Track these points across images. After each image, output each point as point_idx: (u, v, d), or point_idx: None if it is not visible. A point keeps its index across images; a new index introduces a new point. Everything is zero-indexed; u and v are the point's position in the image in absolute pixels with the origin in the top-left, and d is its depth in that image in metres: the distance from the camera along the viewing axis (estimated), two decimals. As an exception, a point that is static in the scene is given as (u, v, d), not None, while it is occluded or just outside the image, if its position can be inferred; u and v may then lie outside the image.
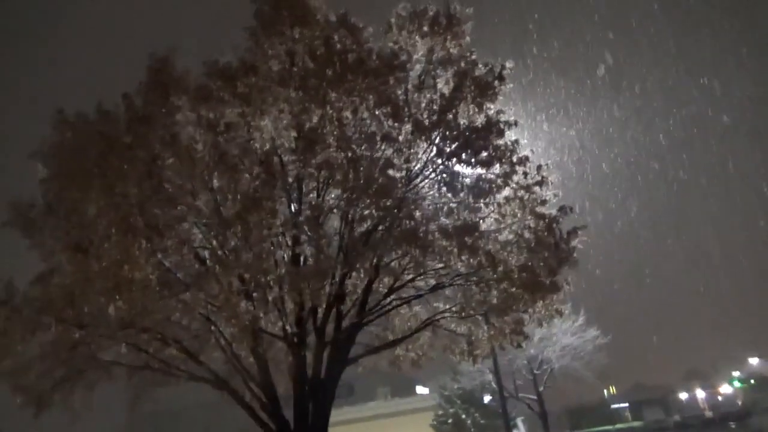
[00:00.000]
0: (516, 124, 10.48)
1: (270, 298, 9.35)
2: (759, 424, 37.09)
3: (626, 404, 60.73)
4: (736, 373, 60.63)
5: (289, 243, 9.98)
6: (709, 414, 51.98)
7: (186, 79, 9.89)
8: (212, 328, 10.21)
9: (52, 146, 9.83)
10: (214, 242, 9.56)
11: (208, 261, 9.71)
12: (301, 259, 10.23)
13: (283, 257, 10.15)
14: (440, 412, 31.56)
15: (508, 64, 10.83)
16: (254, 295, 9.53)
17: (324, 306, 10.40)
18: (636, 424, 48.98)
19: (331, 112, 9.89)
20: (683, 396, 63.44)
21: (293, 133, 10.15)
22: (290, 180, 10.28)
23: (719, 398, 62.01)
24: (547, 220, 10.58)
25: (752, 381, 57.74)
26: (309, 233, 9.59)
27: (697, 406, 59.77)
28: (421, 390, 37.41)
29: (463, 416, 30.60)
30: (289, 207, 10.46)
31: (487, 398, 31.47)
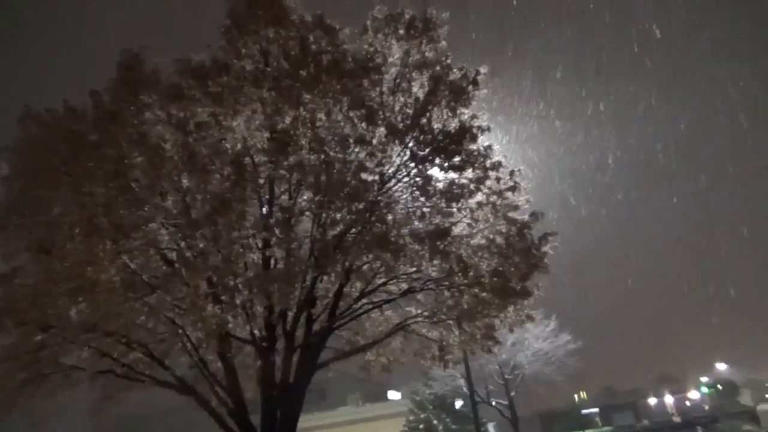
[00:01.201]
0: (489, 129, 10.65)
1: (238, 302, 9.30)
2: (724, 428, 38.11)
3: (596, 409, 61.74)
4: (704, 379, 62.24)
5: (259, 246, 9.95)
6: (677, 419, 53.18)
7: (157, 77, 9.80)
8: (178, 331, 10.12)
9: (18, 142, 9.64)
10: (182, 244, 9.50)
11: (175, 263, 9.63)
12: (272, 262, 10.22)
13: (253, 260, 10.12)
14: (411, 418, 31.65)
15: (483, 69, 10.96)
16: (222, 298, 9.48)
17: (294, 310, 10.39)
18: (606, 429, 49.83)
19: (304, 113, 9.92)
20: (653, 401, 64.78)
21: (266, 134, 10.15)
22: (261, 181, 10.26)
23: (687, 403, 63.49)
24: (518, 226, 10.78)
25: (719, 386, 59.31)
26: (279, 236, 9.59)
27: (666, 412, 61.09)
28: (393, 395, 37.49)
29: (435, 422, 30.76)
30: (260, 209, 10.44)
31: (458, 403, 31.71)
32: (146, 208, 9.27)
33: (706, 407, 56.46)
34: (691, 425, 44.92)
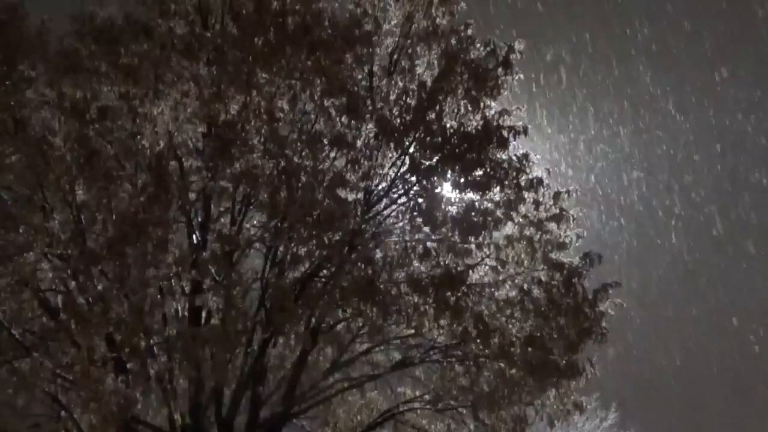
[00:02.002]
0: (526, 132, 10.72)
1: (152, 373, 9.21)
2: None
3: None
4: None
5: (186, 291, 9.90)
6: None
7: (43, 40, 9.82)
8: (62, 413, 9.98)
9: None
10: (72, 285, 9.42)
11: (60, 313, 9.54)
12: (203, 315, 10.17)
13: (176, 312, 10.06)
14: None
15: (519, 45, 11.09)
16: (128, 366, 9.39)
17: (233, 387, 10.31)
18: None
19: (258, 99, 9.94)
20: None
21: (201, 128, 10.16)
22: (193, 197, 10.25)
23: None
24: (565, 273, 10.80)
25: None
26: (216, 277, 9.55)
27: None
28: None
29: None
30: (189, 237, 10.40)
31: None
32: (20, 230, 9.20)
33: None
34: None
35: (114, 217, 9.11)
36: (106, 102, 9.74)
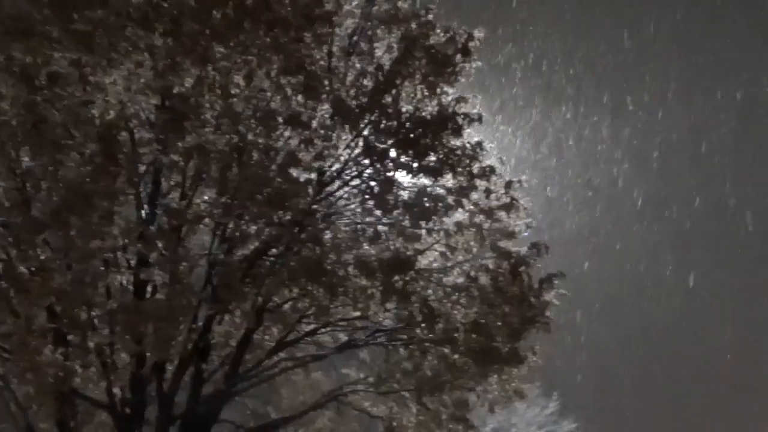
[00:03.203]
0: (480, 119, 10.76)
1: (92, 345, 9.08)
2: None
3: None
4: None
5: (132, 264, 9.76)
6: None
7: (-8, 0, 9.53)
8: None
9: None
10: (14, 253, 9.20)
11: (0, 281, 9.32)
12: (148, 289, 10.04)
13: (121, 284, 9.92)
14: None
15: (478, 33, 11.12)
16: (69, 338, 9.24)
17: (176, 363, 10.22)
18: None
19: (213, 73, 9.80)
20: None
21: (154, 100, 9.98)
22: (143, 169, 10.07)
23: None
24: (513, 262, 10.88)
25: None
26: (163, 252, 9.42)
27: None
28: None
29: None
30: (138, 210, 10.24)
31: None
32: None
33: None
34: None
35: (60, 186, 8.90)
36: (57, 68, 9.49)
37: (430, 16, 11.15)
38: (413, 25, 10.98)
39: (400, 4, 11.16)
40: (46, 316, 9.20)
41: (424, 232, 10.64)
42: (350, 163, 10.65)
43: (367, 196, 10.51)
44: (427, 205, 10.47)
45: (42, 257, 8.98)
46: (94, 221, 8.75)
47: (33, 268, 8.96)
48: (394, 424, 12.22)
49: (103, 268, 9.25)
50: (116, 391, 10.02)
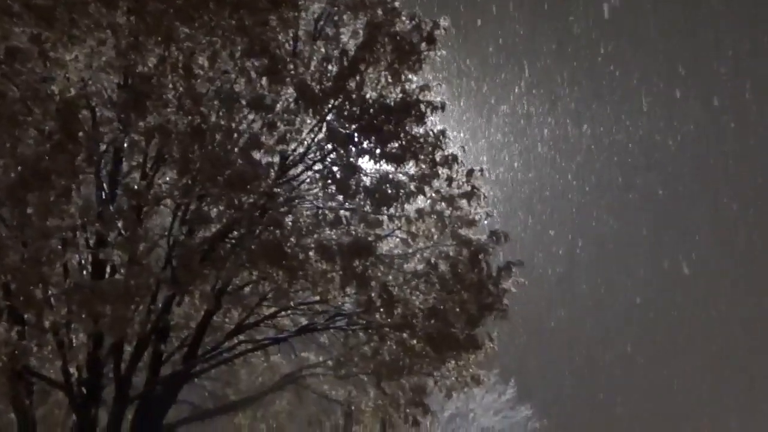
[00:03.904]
0: (443, 107, 10.74)
1: (47, 324, 8.93)
2: None
3: None
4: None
5: (90, 243, 9.61)
6: None
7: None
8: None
9: None
10: (-32, 230, 9.02)
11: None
12: (107, 269, 9.90)
13: (79, 263, 9.78)
14: None
15: (443, 22, 11.09)
16: (24, 317, 9.08)
17: (133, 343, 10.11)
18: None
19: (177, 53, 9.68)
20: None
21: (115, 79, 9.82)
22: (103, 148, 9.91)
23: None
24: (472, 249, 10.91)
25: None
26: (122, 231, 9.29)
27: None
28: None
29: None
30: (98, 189, 10.10)
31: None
32: None
33: None
34: None
35: (17, 163, 8.71)
36: (17, 43, 9.27)
37: (396, 3, 11.10)
38: (379, 12, 10.91)
39: (367, -11, 11.11)
40: (1, 294, 9.05)
41: (385, 218, 10.61)
42: (313, 148, 10.59)
43: (329, 181, 10.43)
44: (388, 191, 10.43)
45: (-2, 234, 8.84)
46: (51, 199, 8.60)
47: (-12, 245, 8.81)
48: (353, 407, 12.27)
49: (60, 247, 9.11)
50: (72, 371, 9.92)
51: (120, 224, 9.34)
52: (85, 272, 9.78)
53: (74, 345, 9.64)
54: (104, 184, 10.12)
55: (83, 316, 8.85)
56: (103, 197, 9.94)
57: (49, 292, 9.04)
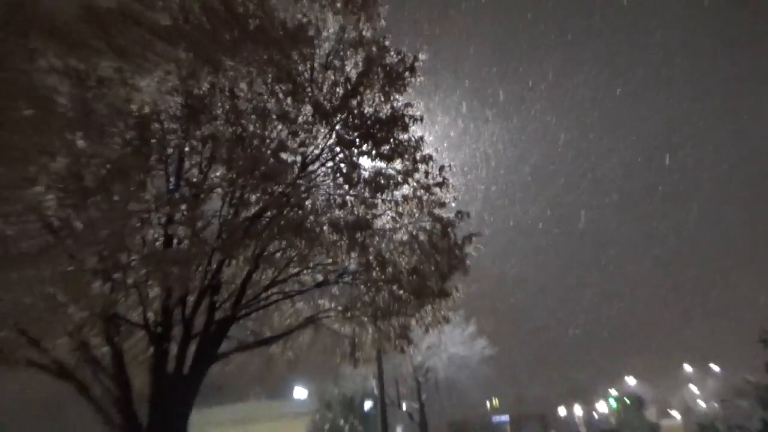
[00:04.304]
0: (422, 119, 10.71)
1: (131, 281, 8.87)
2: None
3: (507, 417, 64.20)
4: (613, 392, 66.00)
5: (162, 222, 9.53)
6: (583, 430, 56.29)
7: (52, 20, 9.09)
8: (60, 310, 9.53)
9: None
10: (70, 211, 8.90)
11: (60, 232, 9.02)
12: (174, 241, 9.82)
13: (153, 237, 9.70)
14: (317, 417, 31.62)
15: (422, 56, 11.02)
16: (113, 276, 9.01)
17: (195, 295, 10.08)
18: (514, 438, 51.98)
19: (223, 80, 9.55)
20: (562, 412, 68.14)
21: (178, 99, 9.68)
22: (170, 151, 9.82)
23: (595, 416, 67.24)
24: (443, 224, 10.93)
25: (626, 400, 63.10)
26: (185, 213, 9.21)
27: (574, 423, 64.47)
28: (299, 393, 37.25)
29: (341, 422, 30.87)
30: (166, 182, 10.00)
31: (367, 405, 32.00)
32: (30, 168, 8.59)
33: (613, 420, 59.95)
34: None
35: (105, 162, 8.61)
36: (104, 73, 9.14)
37: (387, 42, 11.01)
38: (374, 49, 10.83)
39: (364, 32, 11.00)
40: (96, 259, 8.98)
41: (379, 201, 10.59)
42: (325, 150, 10.49)
43: (337, 175, 10.37)
44: (381, 181, 10.40)
45: (93, 215, 8.74)
46: (131, 189, 8.53)
47: (85, 224, 8.72)
48: (356, 340, 12.27)
49: (139, 225, 9.03)
50: (150, 315, 9.91)
51: (183, 207, 9.28)
52: (157, 243, 9.66)
53: (151, 297, 9.58)
54: (171, 178, 10.03)
55: (157, 275, 8.81)
56: (170, 188, 9.86)
57: (132, 257, 8.98)
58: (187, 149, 9.81)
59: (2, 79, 8.37)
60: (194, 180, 9.75)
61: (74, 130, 8.79)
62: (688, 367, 63.93)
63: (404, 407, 35.58)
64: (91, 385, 10.26)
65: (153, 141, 9.13)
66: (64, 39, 8.82)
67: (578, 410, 68.62)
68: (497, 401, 67.39)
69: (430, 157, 10.99)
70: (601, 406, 67.64)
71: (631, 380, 69.37)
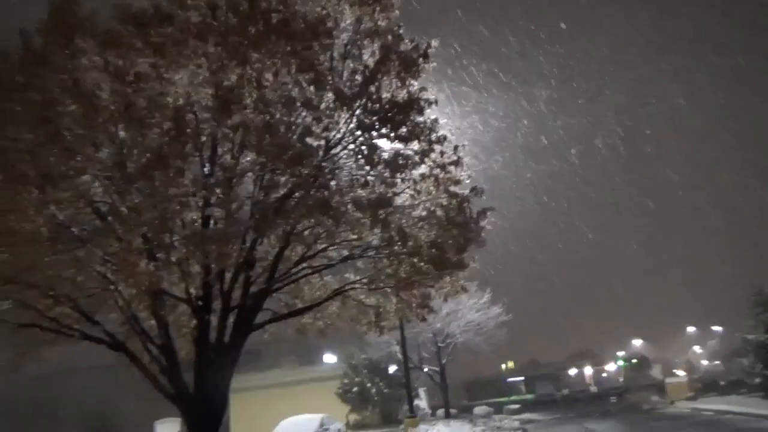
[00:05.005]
0: (436, 102, 10.55)
1: (174, 259, 9.00)
2: (634, 398, 40.66)
3: (522, 378, 64.40)
4: (620, 353, 65.75)
5: (199, 204, 9.62)
6: (593, 389, 56.25)
7: (93, 21, 9.14)
8: (110, 287, 9.74)
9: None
10: (116, 197, 9.04)
11: (108, 217, 9.18)
12: (211, 222, 9.92)
13: (191, 219, 9.80)
14: (346, 381, 31.98)
15: (434, 43, 10.83)
16: (157, 255, 9.15)
17: (232, 271, 10.18)
18: (529, 396, 52.14)
19: (251, 72, 9.52)
20: (572, 372, 68.11)
21: (210, 91, 9.69)
22: (204, 139, 9.86)
23: (604, 375, 67.13)
24: (458, 200, 10.85)
25: (633, 360, 62.89)
26: (220, 196, 9.29)
27: (584, 382, 64.44)
28: (329, 359, 37.70)
29: (368, 385, 31.17)
30: (202, 167, 10.05)
31: (392, 368, 32.25)
32: (78, 158, 8.73)
33: (621, 379, 59.80)
34: (605, 395, 47.69)
35: (145, 151, 8.70)
36: (141, 69, 9.18)
37: (401, 31, 10.86)
38: (389, 38, 10.67)
39: (379, 23, 10.83)
40: (140, 241, 9.13)
41: (398, 180, 10.49)
42: (347, 134, 10.40)
43: (359, 156, 10.29)
44: (400, 162, 10.30)
45: (136, 200, 8.87)
46: (170, 175, 8.60)
47: (130, 208, 8.84)
48: (381, 310, 12.31)
49: (179, 207, 9.13)
50: (192, 290, 10.03)
51: (218, 191, 9.35)
52: (196, 224, 9.76)
53: (192, 273, 9.70)
54: (206, 164, 10.08)
55: (197, 253, 8.93)
56: (206, 173, 9.92)
57: (174, 238, 9.09)
58: (219, 137, 9.83)
59: (49, 77, 8.46)
60: (227, 165, 9.79)
61: (116, 123, 8.90)
62: (691, 329, 63.37)
63: (426, 369, 35.82)
64: (141, 355, 10.51)
65: (188, 130, 9.16)
66: (104, 39, 8.88)
67: (588, 370, 68.53)
68: (512, 364, 67.61)
69: (445, 138, 10.84)
70: (610, 367, 67.47)
71: (637, 342, 69.03)
